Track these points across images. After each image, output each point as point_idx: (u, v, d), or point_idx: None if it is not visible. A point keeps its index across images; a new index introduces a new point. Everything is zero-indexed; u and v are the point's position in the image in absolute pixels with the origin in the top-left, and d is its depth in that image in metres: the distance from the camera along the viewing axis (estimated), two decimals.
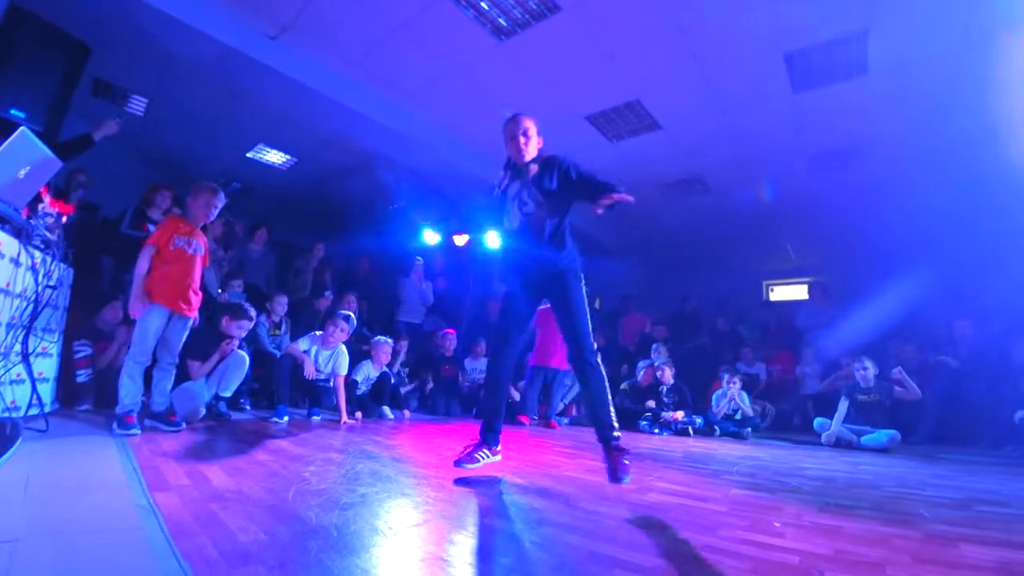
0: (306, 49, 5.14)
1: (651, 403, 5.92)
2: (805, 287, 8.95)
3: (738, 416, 5.74)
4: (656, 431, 5.68)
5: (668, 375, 6.01)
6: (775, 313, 8.49)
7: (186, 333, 3.76)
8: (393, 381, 5.81)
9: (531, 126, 2.92)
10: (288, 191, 8.34)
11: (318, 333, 5.07)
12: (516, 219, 2.92)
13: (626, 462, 2.59)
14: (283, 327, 5.80)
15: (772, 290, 9.38)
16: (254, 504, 2.00)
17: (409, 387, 6.34)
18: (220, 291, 5.79)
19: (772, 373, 7.15)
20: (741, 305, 8.91)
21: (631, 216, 8.64)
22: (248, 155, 7.34)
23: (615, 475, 2.56)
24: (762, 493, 2.72)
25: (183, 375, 4.07)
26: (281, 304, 5.74)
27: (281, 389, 4.70)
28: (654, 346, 6.70)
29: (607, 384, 2.77)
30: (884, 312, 6.69)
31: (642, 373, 6.24)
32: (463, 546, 1.73)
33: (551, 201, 2.83)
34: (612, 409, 2.77)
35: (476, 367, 6.66)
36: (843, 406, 5.24)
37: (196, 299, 3.77)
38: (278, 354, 5.24)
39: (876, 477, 3.43)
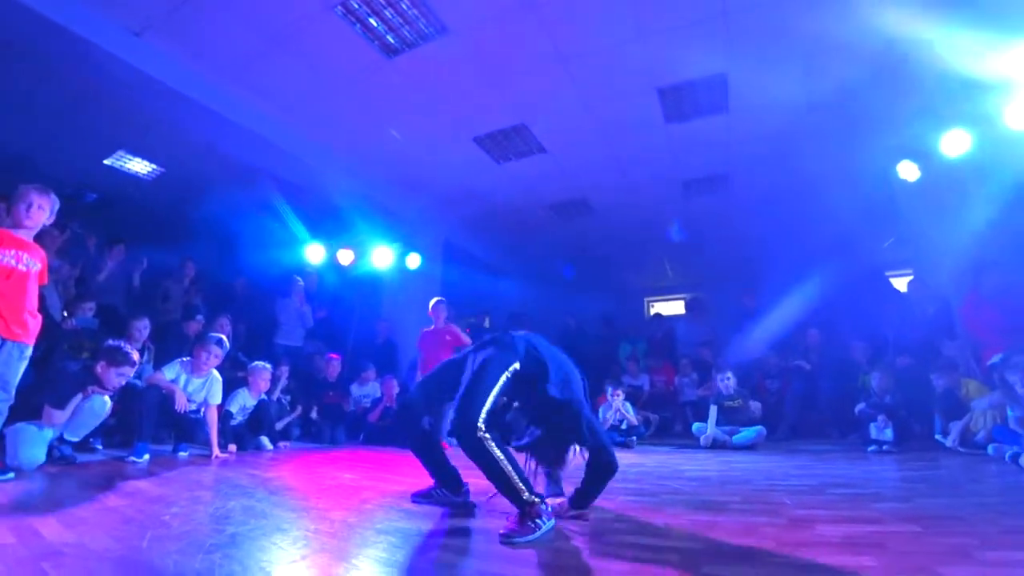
0: (176, 50, 4.73)
1: None
2: (682, 303, 9.65)
3: (624, 426, 6.01)
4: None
5: None
6: (657, 327, 9.04)
7: (22, 364, 3.18)
8: (272, 410, 5.42)
9: None
10: (153, 204, 7.59)
11: (186, 359, 4.61)
12: None
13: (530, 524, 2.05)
14: (146, 354, 5.21)
15: (653, 306, 10.00)
16: (98, 558, 1.74)
17: (291, 416, 5.95)
18: (65, 315, 5.10)
19: (655, 384, 7.60)
20: (625, 321, 9.41)
21: (518, 236, 8.87)
22: (106, 162, 6.61)
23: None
24: (646, 498, 2.86)
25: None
26: (142, 328, 5.15)
27: (144, 425, 4.16)
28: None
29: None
30: (766, 322, 7.42)
31: None
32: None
33: None
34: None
35: (364, 393, 6.41)
36: (713, 412, 5.73)
37: (34, 323, 3.24)
38: (140, 384, 4.67)
39: (746, 473, 3.74)
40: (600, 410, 6.17)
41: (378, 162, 6.57)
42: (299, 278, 7.11)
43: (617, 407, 6.04)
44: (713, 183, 7.23)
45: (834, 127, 5.71)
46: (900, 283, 7.11)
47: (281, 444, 5.32)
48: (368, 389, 6.42)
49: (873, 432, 4.99)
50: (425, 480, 2.84)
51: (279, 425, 5.65)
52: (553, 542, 1.99)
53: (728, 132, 6.01)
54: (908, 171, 5.77)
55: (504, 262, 9.59)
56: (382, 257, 7.47)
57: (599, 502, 2.56)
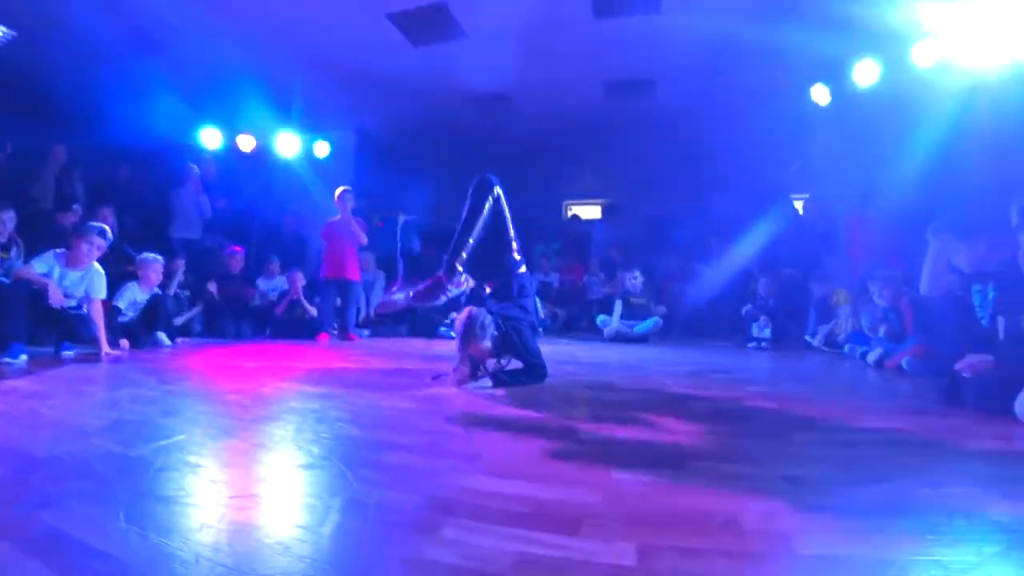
0: None
1: (454, 315, 6.14)
2: (599, 207, 9.80)
3: None
4: (453, 335, 5.93)
5: (463, 285, 6.24)
6: (573, 230, 9.21)
7: None
8: (169, 304, 5.11)
9: None
10: (9, 76, 6.46)
11: (60, 251, 4.15)
12: None
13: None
14: (14, 249, 4.67)
15: (571, 209, 10.12)
16: None
17: (191, 311, 5.66)
18: None
19: (564, 282, 7.89)
20: (543, 221, 9.49)
21: (435, 129, 8.48)
22: None
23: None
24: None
25: None
26: (6, 221, 4.57)
27: (15, 323, 3.74)
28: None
29: None
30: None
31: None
32: (233, 451, 1.62)
33: None
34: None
35: (271, 286, 6.18)
36: (618, 306, 6.10)
37: None
38: (6, 281, 4.18)
39: (638, 361, 4.07)
40: None
41: (277, 36, 5.89)
42: (194, 165, 6.49)
43: None
44: (638, 87, 7.13)
45: (761, 40, 5.68)
46: (799, 204, 7.58)
47: (180, 340, 5.07)
48: (275, 283, 6.19)
49: (755, 331, 5.50)
50: (332, 363, 2.85)
51: (178, 321, 5.36)
52: (438, 414, 2.08)
53: (658, 34, 5.86)
54: (821, 95, 5.97)
55: (418, 156, 9.21)
56: (287, 144, 6.93)
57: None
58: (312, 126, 7.18)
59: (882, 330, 4.23)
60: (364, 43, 6.09)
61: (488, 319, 2.75)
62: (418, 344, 5.31)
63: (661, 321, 6.02)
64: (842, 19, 5.02)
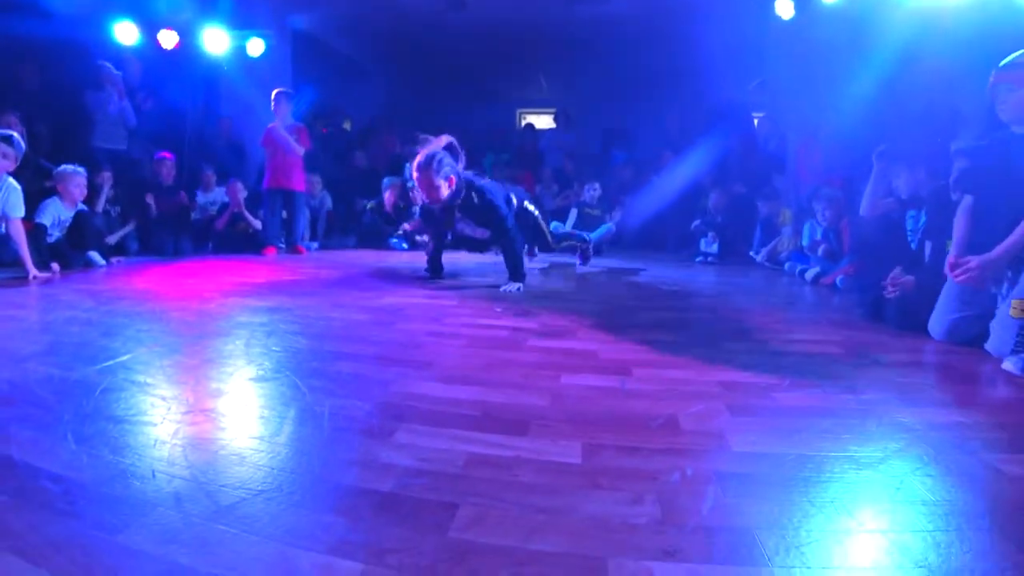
0: None
1: (406, 226, 6.05)
2: (553, 117, 9.53)
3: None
4: (405, 247, 5.91)
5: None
6: (526, 138, 8.98)
7: None
8: (98, 222, 4.78)
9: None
10: None
11: None
12: None
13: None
14: None
15: (525, 117, 9.86)
16: None
17: (125, 229, 5.31)
18: None
19: None
20: (496, 129, 9.23)
21: (380, 25, 7.91)
22: None
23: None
24: (491, 289, 3.09)
25: None
26: None
27: None
28: (407, 164, 6.64)
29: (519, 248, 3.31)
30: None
31: (387, 193, 6.22)
32: (181, 368, 1.59)
33: None
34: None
35: (209, 199, 5.83)
36: (573, 214, 6.21)
37: None
38: None
39: (591, 271, 4.15)
40: None
41: None
42: (110, 65, 5.82)
43: None
44: None
45: None
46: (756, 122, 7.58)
47: (115, 259, 4.78)
48: (213, 195, 5.83)
49: (702, 246, 5.66)
50: (282, 276, 2.78)
51: (111, 239, 5.03)
52: (392, 326, 2.09)
53: None
54: (785, 8, 5.82)
55: (365, 56, 8.60)
56: (215, 41, 6.29)
57: (444, 293, 2.77)
58: (243, 22, 6.52)
59: (820, 249, 4.43)
60: None
61: (445, 157, 2.93)
62: (368, 256, 5.22)
63: (614, 228, 6.11)
64: None
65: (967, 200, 2.33)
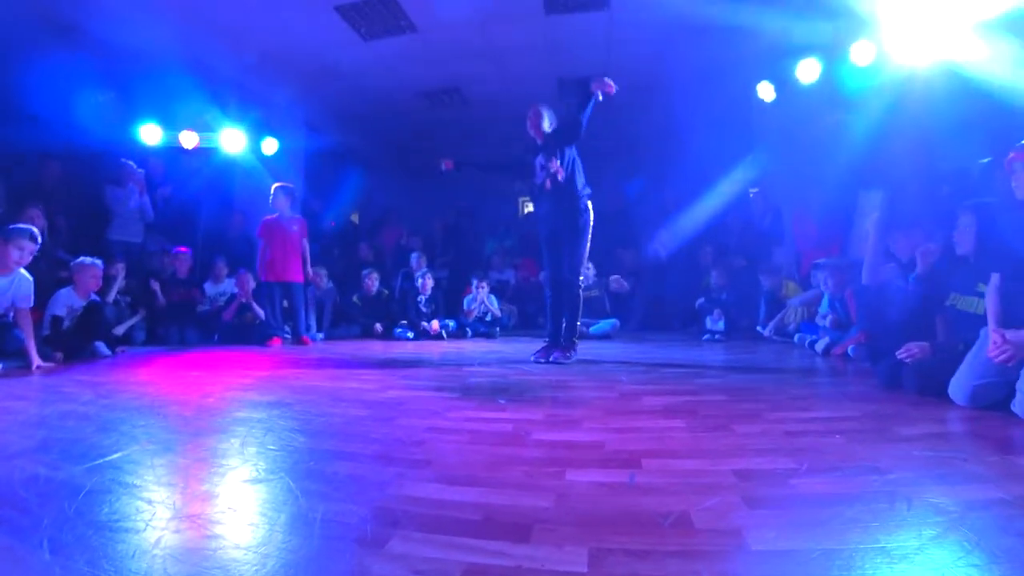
0: None
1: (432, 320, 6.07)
2: None
3: (488, 318, 6.24)
4: (410, 336, 5.89)
5: (428, 284, 6.17)
6: (528, 226, 9.20)
7: None
8: (108, 312, 4.84)
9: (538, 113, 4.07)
10: None
11: None
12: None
13: (568, 354, 3.82)
14: None
15: (527, 206, 10.13)
16: None
17: (133, 319, 5.37)
18: None
19: (520, 278, 7.86)
20: (497, 217, 9.48)
21: (388, 124, 8.35)
22: None
23: (548, 358, 3.78)
24: (496, 379, 3.02)
25: None
26: None
27: None
28: (414, 254, 6.78)
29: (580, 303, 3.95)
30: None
31: (367, 281, 6.30)
32: (172, 468, 1.54)
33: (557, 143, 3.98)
34: (578, 322, 4.00)
35: (218, 290, 5.94)
36: None
37: None
38: None
39: (596, 356, 4.08)
40: (465, 301, 6.34)
41: (218, 26, 5.65)
42: (132, 163, 6.15)
43: (481, 299, 6.23)
44: (589, 84, 7.17)
45: (708, 40, 5.79)
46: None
47: (120, 349, 4.80)
48: (223, 286, 5.95)
49: (708, 323, 5.63)
50: (286, 371, 2.75)
51: (119, 330, 5.09)
52: (393, 420, 2.03)
53: (607, 30, 5.91)
54: (766, 91, 6.14)
55: (374, 153, 9.04)
56: (233, 141, 6.66)
57: (447, 384, 2.71)
58: (259, 122, 6.93)
59: (829, 319, 4.39)
60: (314, 37, 5.95)
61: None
62: (375, 346, 5.20)
63: (618, 322, 6.11)
64: (784, 22, 5.19)
65: (995, 279, 2.38)
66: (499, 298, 6.64)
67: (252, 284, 5.67)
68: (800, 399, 2.52)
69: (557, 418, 2.08)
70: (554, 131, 4.01)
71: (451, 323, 6.09)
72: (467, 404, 2.34)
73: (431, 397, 2.48)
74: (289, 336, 5.47)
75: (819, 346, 4.28)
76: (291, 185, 5.66)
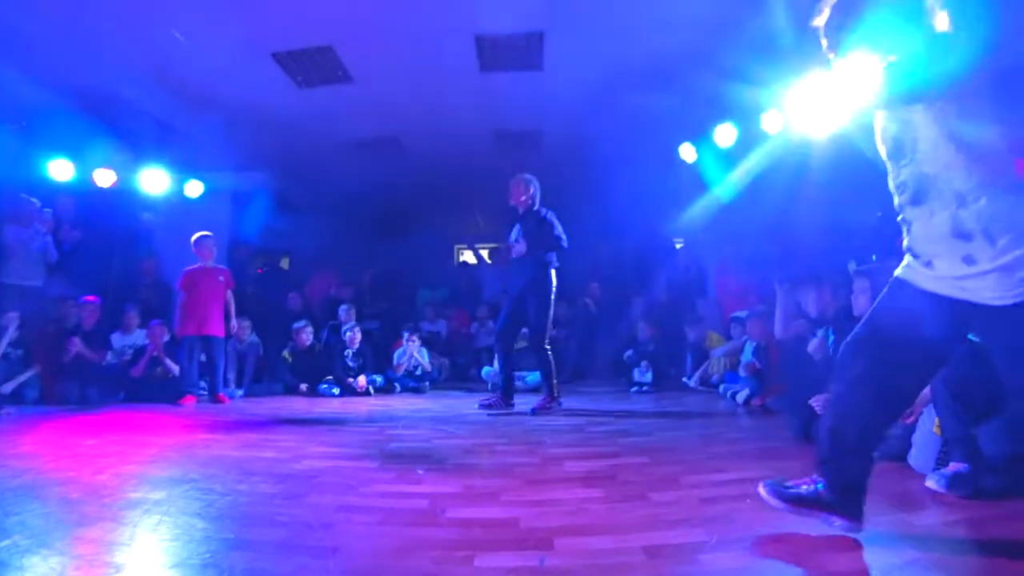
0: None
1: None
2: (487, 252, 9.84)
3: (418, 372, 6.11)
4: (336, 393, 5.61)
5: (356, 338, 5.95)
6: (463, 275, 9.19)
7: None
8: None
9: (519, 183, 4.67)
10: None
11: None
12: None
13: (547, 407, 4.14)
14: None
15: (462, 253, 10.14)
16: None
17: (25, 375, 4.89)
18: None
19: (452, 329, 7.78)
20: (433, 267, 9.42)
21: (322, 172, 8.25)
22: None
23: (535, 411, 4.07)
24: (419, 443, 2.94)
25: None
26: None
27: None
28: (343, 307, 6.57)
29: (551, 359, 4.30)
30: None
31: (301, 335, 6.01)
32: (37, 572, 1.38)
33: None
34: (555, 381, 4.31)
35: (127, 343, 5.49)
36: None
37: None
38: None
39: (521, 417, 4.05)
40: (395, 355, 6.18)
41: (151, 65, 5.44)
42: (35, 200, 5.70)
43: (411, 353, 6.10)
44: (526, 138, 7.41)
45: (636, 103, 6.12)
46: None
47: (6, 411, 4.28)
48: (132, 338, 5.52)
49: (636, 375, 5.75)
50: (196, 435, 2.57)
51: (6, 388, 4.63)
52: (304, 498, 1.92)
53: (541, 89, 6.14)
54: (688, 153, 6.54)
55: (306, 199, 8.85)
56: (154, 181, 6.36)
57: (366, 451, 2.63)
58: (184, 163, 6.68)
59: (748, 369, 4.61)
60: (247, 82, 5.83)
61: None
62: (297, 404, 4.92)
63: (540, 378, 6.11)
64: (705, 89, 5.59)
65: None
66: (430, 351, 6.53)
67: (165, 336, 5.28)
68: (717, 458, 2.59)
69: (475, 490, 2.04)
70: (539, 222, 4.41)
71: (379, 378, 5.87)
72: (385, 475, 2.25)
73: (348, 467, 2.37)
74: (205, 393, 5.10)
75: (740, 397, 4.46)
76: (211, 235, 5.39)
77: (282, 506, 1.86)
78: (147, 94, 5.89)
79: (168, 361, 5.16)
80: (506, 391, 4.41)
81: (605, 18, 4.90)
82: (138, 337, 5.50)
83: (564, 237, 4.34)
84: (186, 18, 4.79)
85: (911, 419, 2.34)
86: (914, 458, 2.30)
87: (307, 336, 6.01)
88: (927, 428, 2.26)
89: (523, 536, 1.59)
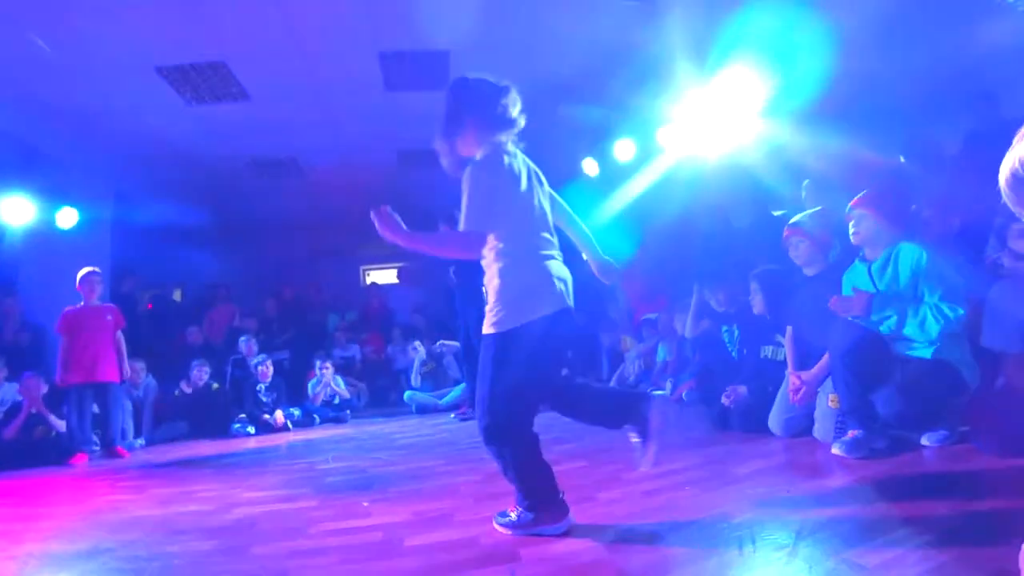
0: None
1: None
2: (395, 272, 9.66)
3: (336, 400, 5.86)
4: (251, 431, 5.15)
5: (268, 371, 5.59)
6: (372, 296, 8.93)
7: None
8: None
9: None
10: None
11: None
12: None
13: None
14: None
15: (369, 275, 9.86)
16: None
17: None
18: None
19: (366, 354, 7.53)
20: (340, 290, 9.11)
21: (215, 194, 7.75)
22: None
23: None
24: (354, 474, 2.83)
25: None
26: None
27: None
28: (243, 339, 6.13)
29: None
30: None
31: (194, 372, 5.51)
32: None
33: None
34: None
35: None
36: (416, 379, 6.10)
37: None
38: None
39: (452, 435, 4.02)
40: (309, 386, 5.89)
41: (9, 78, 4.83)
42: None
43: (327, 381, 5.84)
44: (431, 157, 7.37)
45: (541, 118, 6.29)
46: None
47: None
48: (1, 393, 4.77)
49: None
50: (100, 498, 2.30)
51: None
52: (246, 551, 1.78)
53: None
54: (591, 167, 6.84)
55: (198, 225, 8.22)
56: (17, 211, 5.62)
57: (300, 490, 2.54)
58: (54, 190, 5.98)
59: (667, 365, 4.93)
60: (126, 98, 5.34)
61: None
62: (208, 448, 4.49)
63: (466, 385, 6.07)
64: (603, 106, 5.90)
65: (789, 331, 2.91)
66: (345, 377, 6.27)
67: (43, 389, 4.59)
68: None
69: (426, 515, 1.99)
70: None
71: (296, 411, 5.53)
72: (327, 512, 2.13)
73: (286, 510, 2.21)
74: (99, 448, 4.48)
75: (658, 393, 4.72)
76: (98, 272, 4.83)
77: (225, 563, 1.68)
78: (5, 111, 5.26)
79: (51, 417, 4.45)
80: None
81: (508, 39, 5.05)
82: (7, 392, 4.75)
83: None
84: (52, 24, 4.33)
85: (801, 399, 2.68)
86: (818, 431, 2.66)
87: (201, 374, 5.50)
88: (824, 404, 2.62)
89: (488, 553, 1.58)
